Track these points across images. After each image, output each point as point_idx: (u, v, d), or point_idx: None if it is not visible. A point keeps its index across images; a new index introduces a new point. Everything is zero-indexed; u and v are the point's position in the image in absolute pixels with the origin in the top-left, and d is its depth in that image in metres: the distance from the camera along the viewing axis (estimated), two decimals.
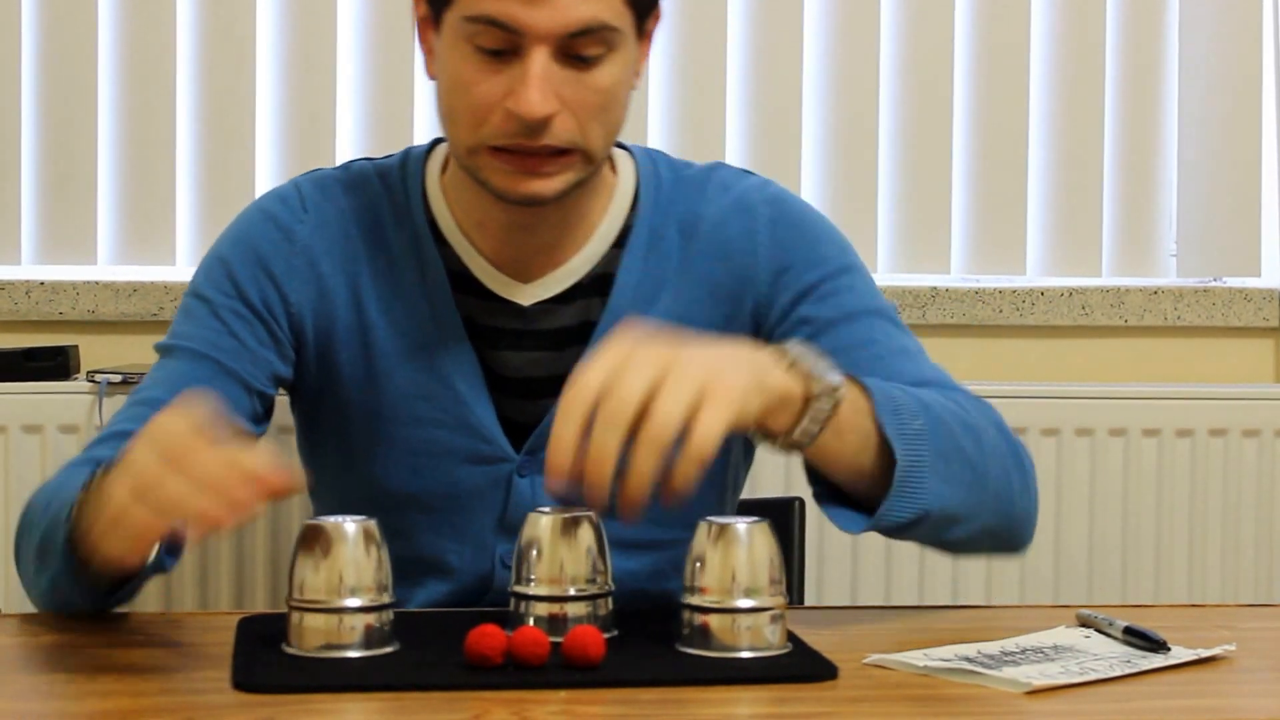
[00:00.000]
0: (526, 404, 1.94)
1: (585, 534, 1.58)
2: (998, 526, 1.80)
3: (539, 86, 1.76)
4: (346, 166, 2.01)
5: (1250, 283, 3.13)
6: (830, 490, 1.71)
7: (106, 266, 2.93)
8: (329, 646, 1.52)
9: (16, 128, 2.90)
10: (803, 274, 1.95)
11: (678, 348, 1.53)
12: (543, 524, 1.58)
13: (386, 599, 1.54)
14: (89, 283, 2.88)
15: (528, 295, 1.93)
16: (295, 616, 1.54)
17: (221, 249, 1.98)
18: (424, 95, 2.93)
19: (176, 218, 2.93)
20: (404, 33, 2.91)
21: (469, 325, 1.93)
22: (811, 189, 3.02)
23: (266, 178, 2.92)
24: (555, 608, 1.57)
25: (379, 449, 1.95)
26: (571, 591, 1.57)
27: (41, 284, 2.88)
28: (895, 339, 1.93)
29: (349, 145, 2.94)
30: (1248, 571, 2.95)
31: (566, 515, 1.58)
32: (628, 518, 1.50)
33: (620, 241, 1.95)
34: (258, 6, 2.93)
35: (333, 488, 1.98)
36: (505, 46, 1.77)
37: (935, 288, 3.02)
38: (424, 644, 1.57)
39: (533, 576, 1.58)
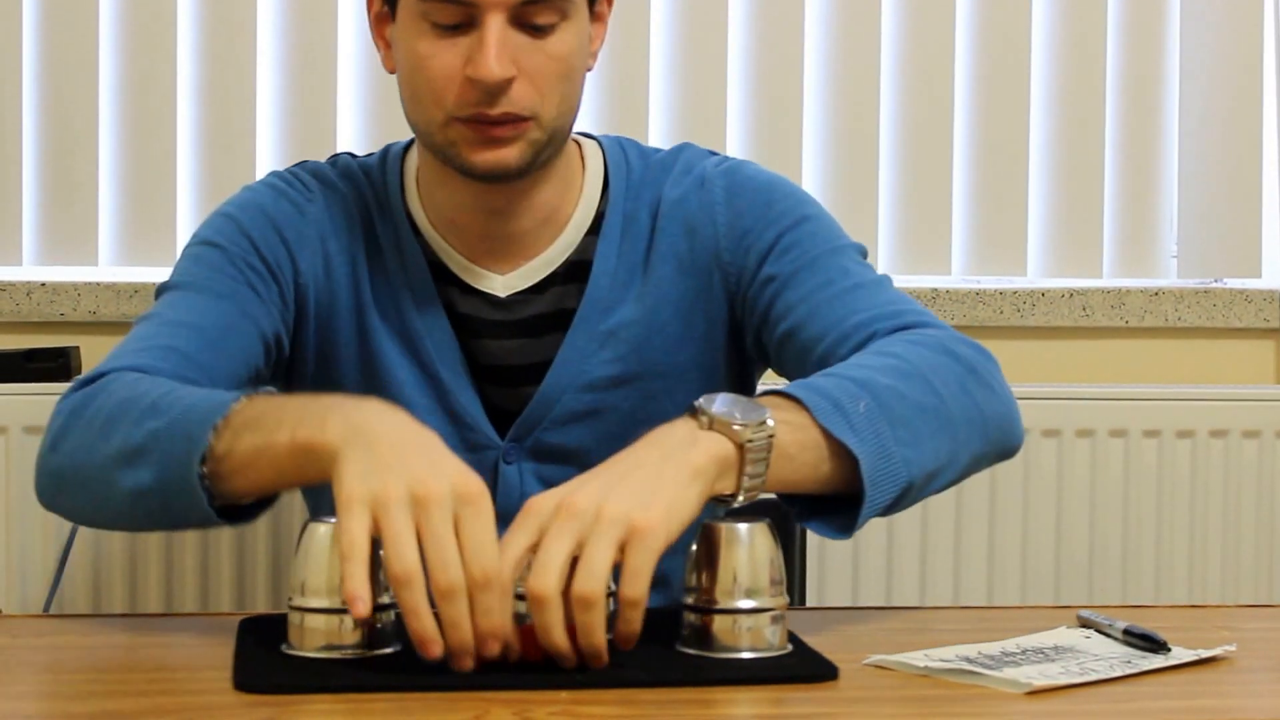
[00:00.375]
0: (508, 391, 1.97)
1: None
2: (981, 449, 1.76)
3: (496, 51, 1.79)
4: (333, 161, 2.05)
5: (1251, 284, 3.13)
6: (805, 501, 1.66)
7: (108, 268, 2.93)
8: (330, 647, 1.52)
9: (18, 129, 2.90)
10: (762, 234, 1.96)
11: (591, 493, 1.48)
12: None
13: (387, 599, 1.54)
14: (90, 284, 2.88)
15: (503, 286, 1.96)
16: (296, 617, 1.53)
17: (229, 210, 1.98)
18: None
19: (177, 219, 2.93)
20: None
21: (449, 315, 1.96)
22: (812, 190, 3.02)
23: None
24: None
25: None
26: None
27: (43, 285, 2.88)
28: (852, 275, 1.91)
29: (350, 148, 2.93)
30: (1248, 572, 2.95)
31: None
32: (595, 666, 1.47)
33: (594, 229, 1.98)
34: (259, 9, 2.93)
35: (327, 491, 1.98)
36: (461, 20, 1.81)
37: (936, 289, 3.02)
38: None
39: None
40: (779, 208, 1.97)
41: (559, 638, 1.44)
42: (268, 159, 2.94)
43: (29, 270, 2.93)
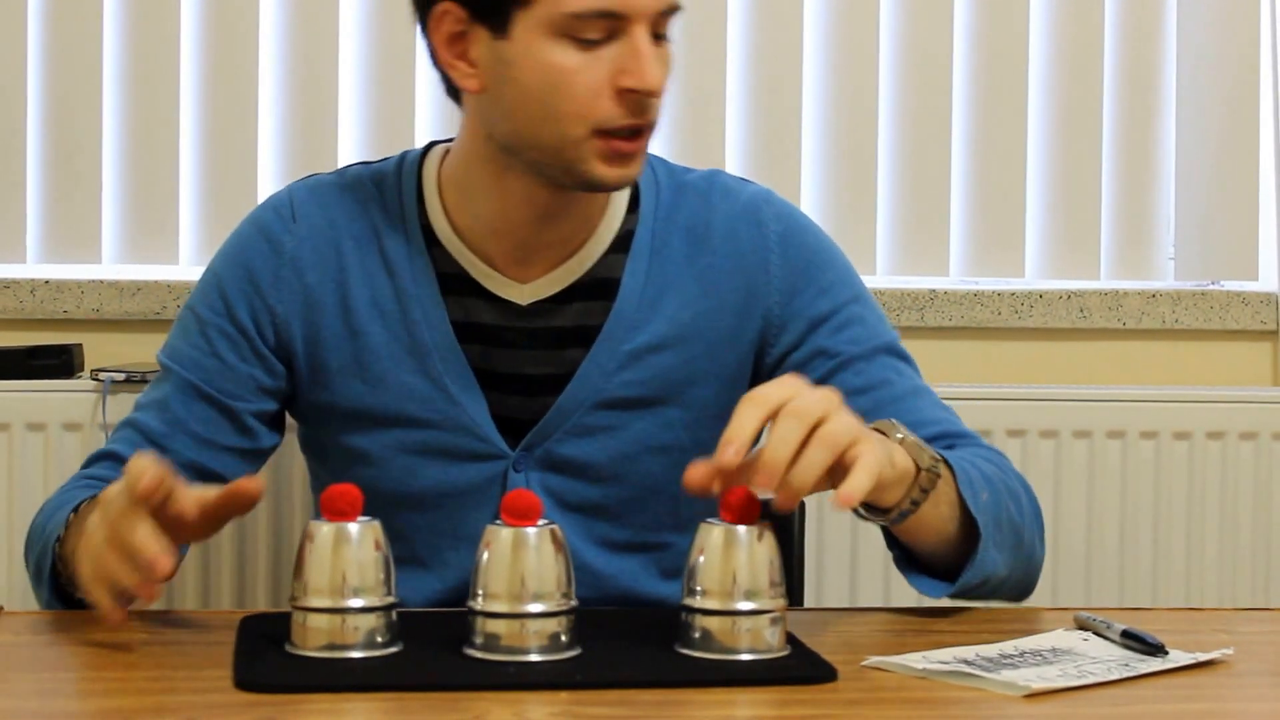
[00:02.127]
0: (522, 400, 1.96)
1: (548, 548, 1.55)
2: (1023, 580, 1.89)
3: (654, 62, 1.82)
4: (342, 172, 2.04)
5: (1247, 286, 3.14)
6: (904, 555, 1.80)
7: (110, 265, 2.94)
8: (332, 646, 1.53)
9: (22, 128, 2.90)
10: (815, 300, 1.99)
11: (841, 417, 1.59)
12: (503, 537, 1.55)
13: (390, 599, 1.55)
14: (93, 281, 2.89)
15: (525, 295, 1.96)
16: (298, 616, 1.54)
17: (217, 264, 2.03)
18: (425, 96, 2.94)
19: (180, 217, 2.93)
20: (406, 33, 2.91)
21: (466, 325, 1.96)
22: (811, 192, 3.03)
23: (269, 177, 2.93)
24: (514, 624, 1.54)
25: (374, 451, 1.97)
26: (533, 608, 1.54)
27: (46, 282, 2.89)
28: (908, 378, 1.99)
29: (351, 145, 2.95)
30: (1245, 575, 2.95)
31: (529, 529, 1.54)
32: (785, 504, 1.57)
33: (622, 246, 1.97)
34: (261, 8, 2.93)
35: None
36: (606, 33, 1.81)
37: (934, 290, 3.03)
38: (426, 644, 1.58)
39: (480, 591, 1.54)
40: (833, 276, 2.01)
41: (793, 444, 1.55)
42: (269, 157, 2.94)
43: (33, 268, 2.93)
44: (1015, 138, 3.07)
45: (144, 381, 2.70)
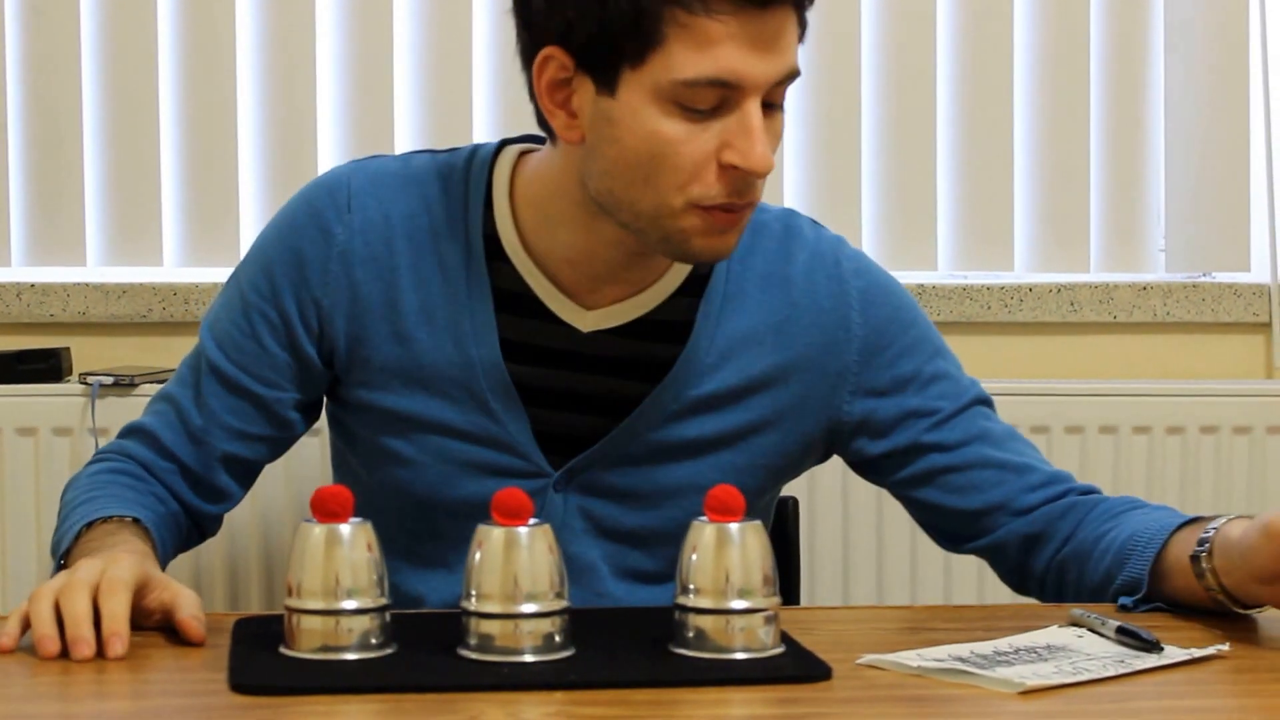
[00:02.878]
0: (567, 420, 1.93)
1: (540, 548, 1.54)
2: None
3: (763, 139, 1.74)
4: (407, 159, 1.97)
5: (1239, 278, 3.13)
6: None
7: (95, 268, 2.93)
8: (326, 648, 1.53)
9: (4, 132, 2.90)
10: (898, 362, 1.98)
11: None
12: (494, 537, 1.54)
13: (383, 601, 1.54)
14: (79, 284, 2.88)
15: (588, 322, 1.92)
16: (292, 618, 1.54)
17: (268, 239, 1.97)
18: (404, 101, 2.95)
19: (163, 219, 2.92)
20: (384, 34, 2.92)
21: (517, 343, 1.92)
22: (795, 187, 3.02)
23: (250, 179, 2.93)
24: (508, 625, 1.53)
25: (411, 456, 1.94)
26: (526, 609, 1.53)
27: (32, 286, 2.88)
28: (998, 423, 2.01)
29: (331, 148, 2.94)
30: None
31: (520, 528, 1.53)
32: None
33: (693, 287, 1.94)
34: (238, 12, 2.92)
35: (363, 485, 1.99)
36: (716, 103, 1.74)
37: (923, 284, 3.02)
38: (420, 645, 1.57)
39: (473, 592, 1.54)
40: (914, 335, 2.00)
41: None
42: (250, 160, 2.94)
43: (18, 271, 2.93)
44: (1003, 130, 3.07)
45: (132, 385, 2.70)
